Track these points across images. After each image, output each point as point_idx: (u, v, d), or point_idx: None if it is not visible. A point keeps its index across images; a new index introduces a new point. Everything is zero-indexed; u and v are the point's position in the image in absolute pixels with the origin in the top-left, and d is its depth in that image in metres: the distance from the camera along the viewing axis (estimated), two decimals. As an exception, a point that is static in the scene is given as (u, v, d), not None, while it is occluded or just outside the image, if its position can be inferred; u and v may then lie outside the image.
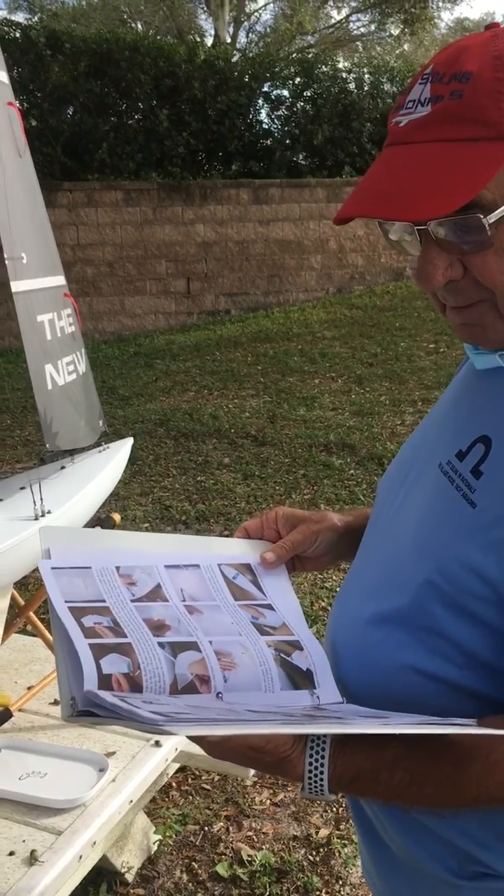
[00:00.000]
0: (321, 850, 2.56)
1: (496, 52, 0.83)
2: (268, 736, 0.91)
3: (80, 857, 1.94)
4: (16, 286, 2.34)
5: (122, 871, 2.37)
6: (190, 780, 2.89)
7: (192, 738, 0.92)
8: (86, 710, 0.85)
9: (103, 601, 0.98)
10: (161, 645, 0.95)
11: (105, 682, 0.88)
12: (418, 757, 0.92)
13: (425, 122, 0.86)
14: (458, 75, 0.84)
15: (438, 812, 0.99)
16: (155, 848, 2.53)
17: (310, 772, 0.93)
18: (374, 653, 1.01)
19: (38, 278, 2.48)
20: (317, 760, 0.92)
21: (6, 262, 2.30)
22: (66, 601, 0.96)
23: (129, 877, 2.40)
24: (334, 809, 2.73)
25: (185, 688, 0.93)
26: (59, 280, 2.66)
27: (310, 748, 0.93)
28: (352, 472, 5.56)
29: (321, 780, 0.92)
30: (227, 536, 1.20)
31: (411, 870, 1.06)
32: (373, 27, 19.28)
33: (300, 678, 0.99)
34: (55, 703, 2.58)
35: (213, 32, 16.67)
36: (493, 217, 0.84)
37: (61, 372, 2.52)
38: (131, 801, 2.05)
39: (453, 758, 0.90)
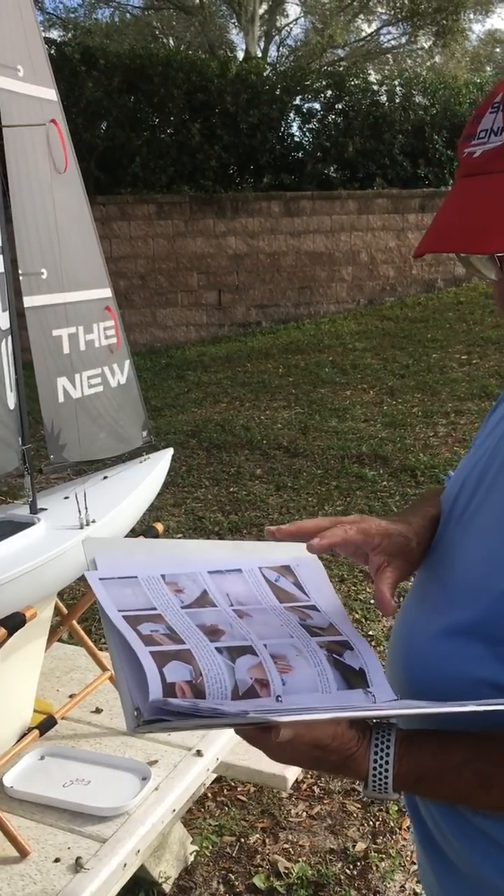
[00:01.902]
0: (358, 863, 2.55)
1: None
2: (333, 733, 0.91)
3: (125, 865, 1.96)
4: (29, 301, 2.38)
5: (160, 881, 2.38)
6: (226, 790, 2.89)
7: (254, 741, 0.91)
8: (153, 719, 0.85)
9: (155, 609, 0.98)
10: (219, 650, 0.95)
11: (169, 690, 0.88)
12: (487, 758, 0.92)
13: (502, 150, 0.87)
14: None
15: None
16: (192, 858, 2.54)
17: (374, 770, 0.92)
18: (445, 666, 1.00)
19: (69, 292, 2.52)
20: (381, 759, 0.92)
21: (20, 277, 2.34)
22: (119, 610, 0.96)
23: (167, 887, 2.41)
24: (371, 823, 2.72)
25: (245, 693, 0.92)
26: (102, 293, 2.70)
27: (374, 745, 0.93)
28: (385, 483, 5.55)
29: (386, 778, 0.92)
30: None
31: (471, 880, 1.06)
32: (403, 40, 19.32)
33: (354, 677, 0.99)
34: (97, 711, 2.60)
35: (244, 47, 16.80)
36: None
37: (79, 385, 2.56)
38: (174, 811, 2.07)
39: None
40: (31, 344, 2.41)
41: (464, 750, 0.93)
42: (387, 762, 0.92)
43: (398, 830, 2.68)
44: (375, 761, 0.92)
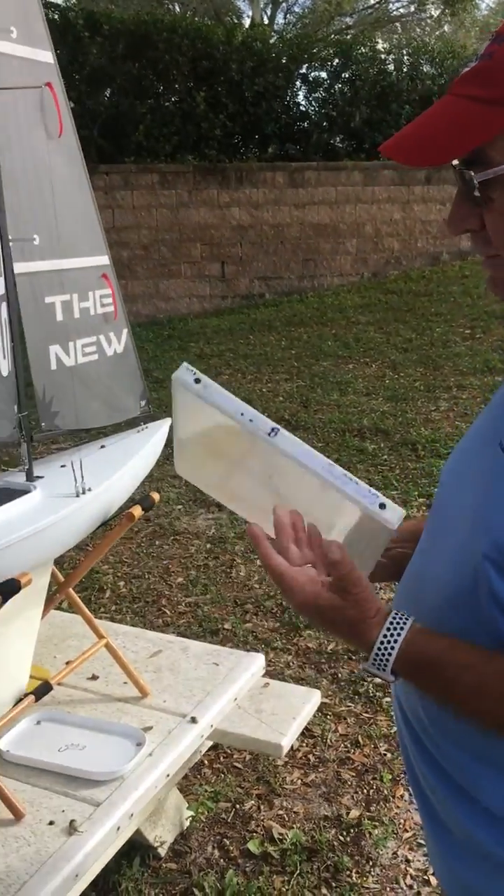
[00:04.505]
0: (352, 830, 2.58)
1: None
2: (360, 589, 0.96)
3: (118, 828, 1.98)
4: (19, 267, 2.36)
5: (155, 845, 2.41)
6: (222, 758, 2.92)
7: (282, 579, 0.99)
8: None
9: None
10: None
11: None
12: (490, 671, 0.93)
13: (466, 76, 0.89)
14: (501, 37, 0.85)
15: (488, 731, 0.99)
16: (187, 824, 2.57)
17: (381, 643, 0.95)
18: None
19: (64, 259, 2.50)
20: (392, 634, 0.95)
21: (10, 243, 2.32)
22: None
23: (162, 851, 2.44)
24: (365, 791, 2.75)
25: None
26: (98, 260, 2.67)
27: (390, 621, 0.96)
28: (385, 457, 5.54)
29: (389, 654, 0.94)
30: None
31: (475, 854, 1.06)
32: (412, 8, 18.98)
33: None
34: (93, 678, 2.62)
35: (250, 14, 16.52)
36: (486, 175, 0.87)
37: (73, 353, 2.54)
38: (168, 776, 2.08)
39: None
40: (21, 311, 2.39)
41: (472, 655, 0.95)
42: (395, 640, 0.94)
43: (392, 798, 2.70)
44: (385, 636, 0.94)
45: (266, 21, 16.45)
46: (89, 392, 2.60)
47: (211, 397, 1.05)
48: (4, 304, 2.28)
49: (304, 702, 2.54)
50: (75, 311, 2.54)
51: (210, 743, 2.55)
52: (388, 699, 3.16)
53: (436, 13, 18.56)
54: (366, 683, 3.26)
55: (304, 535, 1.06)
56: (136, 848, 2.40)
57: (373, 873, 2.43)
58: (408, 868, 2.44)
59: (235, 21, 16.39)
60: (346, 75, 11.26)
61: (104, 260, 2.67)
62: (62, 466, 2.46)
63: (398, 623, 0.96)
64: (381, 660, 0.94)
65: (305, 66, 11.21)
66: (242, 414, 1.04)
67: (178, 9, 18.04)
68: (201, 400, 1.05)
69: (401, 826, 2.59)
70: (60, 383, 2.50)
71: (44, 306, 2.45)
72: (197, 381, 1.04)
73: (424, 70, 11.56)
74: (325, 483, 1.04)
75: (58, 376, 2.49)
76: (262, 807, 2.70)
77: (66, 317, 2.51)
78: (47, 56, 2.44)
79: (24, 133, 2.37)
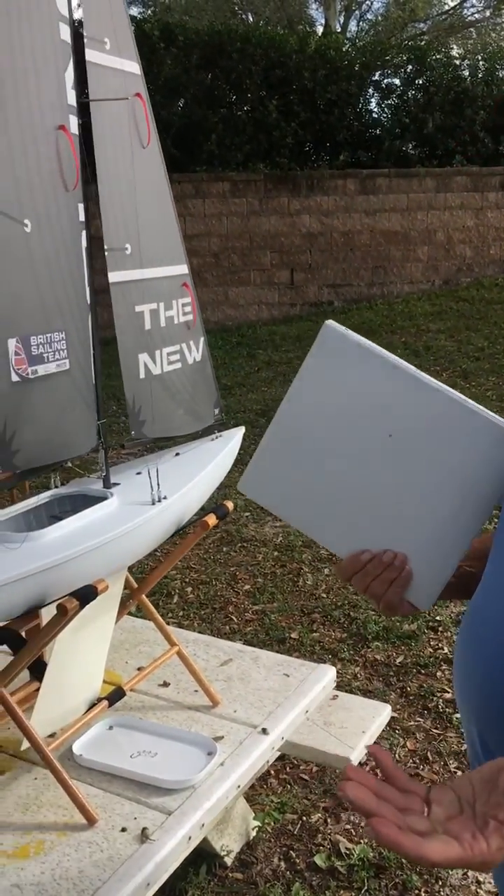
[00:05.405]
0: (421, 849, 2.53)
1: None
2: None
3: (189, 837, 1.98)
4: (113, 276, 2.39)
5: (222, 854, 2.41)
6: (288, 769, 2.90)
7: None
8: None
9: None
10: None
11: None
12: None
13: None
14: None
15: None
16: (254, 834, 2.56)
17: None
18: None
19: (150, 268, 2.53)
20: None
21: (105, 253, 2.35)
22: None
23: (228, 860, 2.43)
24: (435, 810, 2.70)
25: None
26: (179, 269, 2.70)
27: None
28: (456, 468, 5.45)
29: None
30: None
31: None
32: (488, 13, 18.72)
33: None
34: (164, 685, 2.63)
35: (323, 22, 16.52)
36: None
37: (159, 361, 2.56)
38: (238, 787, 2.08)
39: None
40: (115, 319, 2.42)
41: None
42: None
43: (462, 819, 2.65)
44: None
45: (339, 28, 16.43)
46: (174, 401, 2.63)
47: (363, 340, 1.10)
48: (91, 314, 2.32)
49: (374, 716, 2.51)
50: (161, 319, 2.57)
51: (278, 753, 2.54)
52: (458, 715, 3.10)
53: (512, 17, 18.26)
54: (435, 698, 3.21)
55: (391, 791, 0.84)
56: (202, 856, 2.40)
57: (442, 893, 2.38)
58: (478, 889, 2.39)
59: (308, 29, 16.41)
60: (420, 82, 11.16)
61: (184, 269, 2.70)
62: (138, 474, 2.49)
63: None
64: None
65: (378, 73, 11.15)
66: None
67: (251, 18, 18.17)
68: (352, 344, 1.09)
69: (472, 848, 2.53)
70: (147, 391, 2.53)
71: (135, 315, 2.48)
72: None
73: (500, 75, 11.37)
74: (463, 408, 1.04)
75: (145, 385, 2.52)
76: (328, 820, 2.67)
77: (154, 325, 2.54)
78: (135, 67, 2.48)
79: (118, 143, 2.41)
